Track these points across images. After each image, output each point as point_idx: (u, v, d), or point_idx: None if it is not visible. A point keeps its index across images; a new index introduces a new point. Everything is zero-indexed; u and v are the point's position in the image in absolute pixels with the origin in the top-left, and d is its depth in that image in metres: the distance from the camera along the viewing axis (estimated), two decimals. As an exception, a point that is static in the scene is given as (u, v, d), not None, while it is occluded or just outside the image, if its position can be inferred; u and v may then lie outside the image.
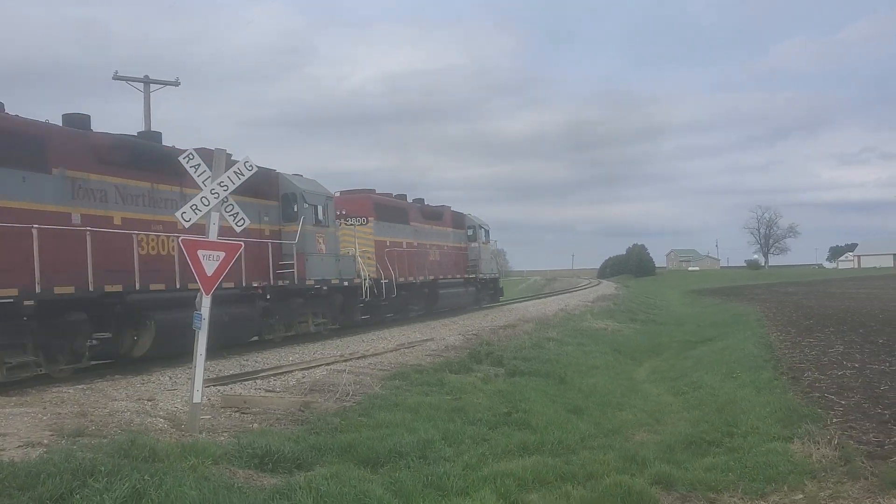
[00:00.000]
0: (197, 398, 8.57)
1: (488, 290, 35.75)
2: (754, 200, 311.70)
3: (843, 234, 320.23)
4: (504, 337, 20.20)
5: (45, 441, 7.60)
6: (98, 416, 9.06)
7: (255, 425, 9.24)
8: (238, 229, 9.20)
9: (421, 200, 29.70)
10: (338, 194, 22.93)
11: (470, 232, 33.38)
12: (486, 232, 35.11)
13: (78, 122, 13.64)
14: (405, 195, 28.70)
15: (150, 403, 10.11)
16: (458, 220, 32.57)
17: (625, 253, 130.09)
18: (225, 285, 14.11)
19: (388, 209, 25.77)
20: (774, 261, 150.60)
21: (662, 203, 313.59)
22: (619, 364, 18.54)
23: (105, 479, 5.99)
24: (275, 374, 13.19)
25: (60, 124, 13.35)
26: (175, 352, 14.27)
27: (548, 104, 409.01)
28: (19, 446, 7.33)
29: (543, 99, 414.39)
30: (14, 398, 10.33)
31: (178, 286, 14.39)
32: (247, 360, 15.30)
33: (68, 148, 12.97)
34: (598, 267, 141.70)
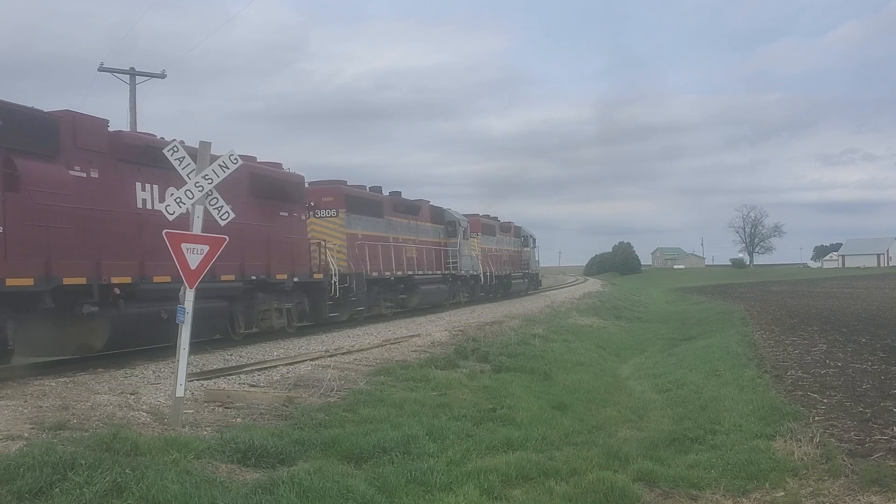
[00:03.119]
0: (180, 392, 8.51)
1: (534, 281, 51.10)
2: (739, 200, 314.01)
3: (827, 233, 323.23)
4: (490, 333, 20.23)
5: (26, 434, 7.53)
6: (80, 409, 8.99)
7: (239, 420, 9.19)
8: (223, 223, 9.16)
9: (493, 217, 42.15)
10: None
11: (523, 239, 47.00)
12: (534, 239, 49.95)
13: (373, 191, 27.28)
14: (488, 214, 41.61)
15: (132, 397, 10.04)
16: (517, 231, 46.30)
17: (611, 251, 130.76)
18: (434, 273, 30.08)
19: (486, 226, 39.13)
20: (759, 260, 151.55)
21: (648, 202, 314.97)
22: (604, 361, 18.60)
23: (86, 473, 5.94)
24: (259, 369, 13.13)
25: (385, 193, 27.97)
26: (427, 305, 29.50)
27: (536, 103, 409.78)
28: (-1, 439, 7.27)
29: (532, 98, 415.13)
30: (-5, 391, 10.24)
31: (417, 273, 28.11)
32: (231, 355, 15.23)
33: (387, 204, 27.05)
34: (584, 264, 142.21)
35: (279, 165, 19.74)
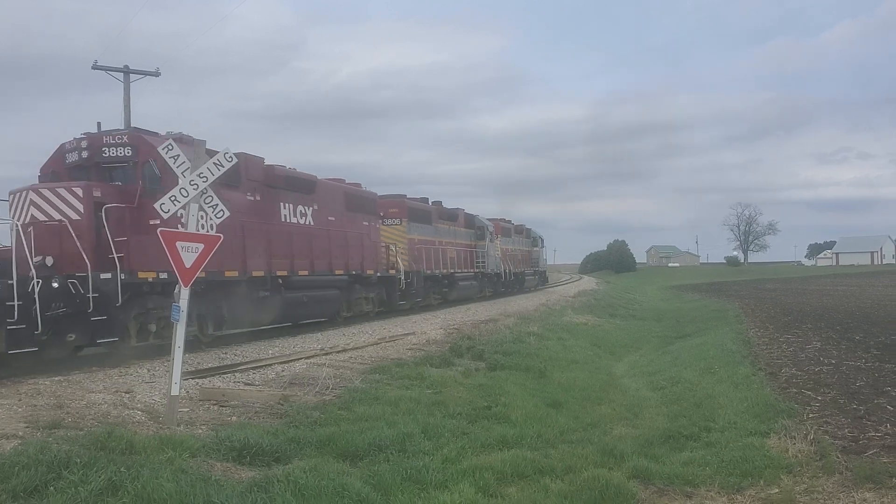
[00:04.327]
0: (175, 391, 8.50)
1: (543, 278, 56.88)
2: (734, 198, 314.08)
3: (821, 231, 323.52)
4: (485, 331, 20.22)
5: (20, 433, 7.51)
6: (75, 408, 8.97)
7: (234, 418, 9.19)
8: (217, 221, 9.15)
9: (508, 220, 46.69)
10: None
11: (532, 240, 51.95)
12: (542, 240, 54.91)
13: (421, 202, 31.78)
14: (504, 218, 46.13)
15: (127, 396, 10.02)
16: (528, 233, 51.23)
17: (606, 249, 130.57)
18: (468, 271, 34.83)
19: (504, 229, 43.84)
20: (754, 258, 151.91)
21: (643, 200, 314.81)
22: (599, 359, 18.62)
23: (81, 472, 5.94)
24: (254, 368, 13.12)
25: (430, 203, 32.75)
26: (459, 299, 33.58)
27: (533, 102, 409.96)
28: (-7, 438, 7.25)
29: (529, 97, 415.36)
30: (-11, 390, 10.20)
31: (456, 271, 33.07)
32: (226, 353, 15.21)
33: (434, 213, 31.70)
34: (579, 262, 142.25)
35: (359, 185, 24.84)
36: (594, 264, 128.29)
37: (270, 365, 13.45)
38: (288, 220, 19.03)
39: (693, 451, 8.39)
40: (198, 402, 10.05)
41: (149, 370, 12.63)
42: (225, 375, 12.30)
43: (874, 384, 11.48)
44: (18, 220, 12.87)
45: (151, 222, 13.34)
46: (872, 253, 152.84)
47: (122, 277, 13.16)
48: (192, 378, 11.64)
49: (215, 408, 9.79)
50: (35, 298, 11.72)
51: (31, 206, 13.31)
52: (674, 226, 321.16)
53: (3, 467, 5.96)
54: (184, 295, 8.57)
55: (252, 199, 17.46)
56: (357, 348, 16.19)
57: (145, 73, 33.46)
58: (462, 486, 6.84)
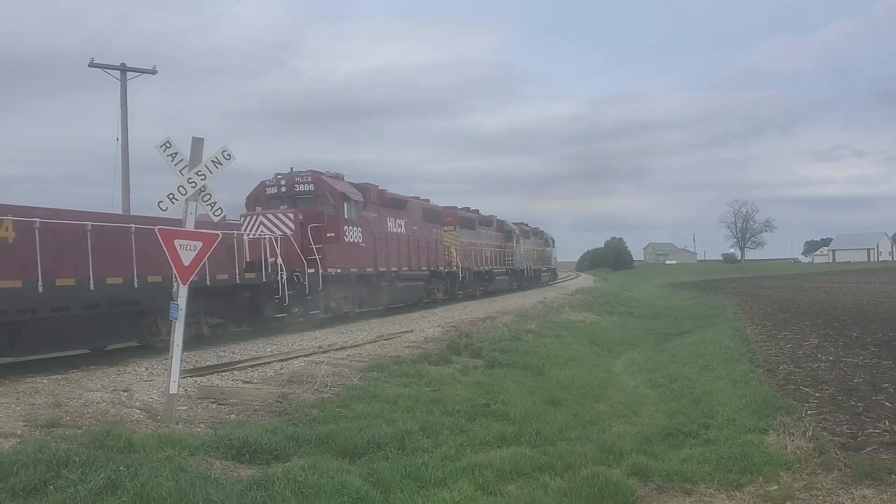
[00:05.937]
0: (173, 389, 8.48)
1: (553, 275, 64.67)
2: (730, 196, 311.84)
3: (818, 229, 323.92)
4: (483, 329, 20.22)
5: (19, 432, 7.50)
6: (73, 406, 8.96)
7: (233, 416, 9.18)
8: (216, 219, 9.13)
9: (527, 224, 52.87)
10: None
11: (545, 241, 59.15)
12: (553, 240, 63.00)
13: (465, 211, 37.96)
14: (524, 222, 52.29)
15: (125, 394, 10.01)
16: (541, 234, 57.95)
17: (603, 246, 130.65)
18: (500, 268, 41.86)
19: (525, 232, 50.21)
20: (750, 255, 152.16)
21: (640, 198, 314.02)
22: (597, 356, 18.64)
23: (79, 470, 5.93)
24: (252, 366, 13.11)
25: (469, 210, 39.68)
26: (496, 290, 40.73)
27: (529, 100, 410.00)
28: (-8, 437, 7.23)
29: (524, 95, 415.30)
30: (-13, 389, 10.18)
31: (493, 268, 39.70)
32: (224, 352, 15.19)
33: (476, 220, 38.46)
34: (576, 260, 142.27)
35: (427, 201, 31.98)
36: (592, 262, 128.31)
37: (269, 363, 13.43)
38: (392, 230, 26.48)
39: (692, 448, 8.40)
40: (196, 400, 10.03)
41: (147, 368, 12.62)
42: (223, 373, 12.29)
43: (872, 381, 11.50)
44: (251, 235, 19.19)
45: (328, 235, 21.42)
46: (869, 250, 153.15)
47: (321, 271, 20.28)
48: (191, 376, 11.63)
49: (214, 406, 9.78)
50: (284, 283, 18.71)
51: (261, 226, 20.19)
52: (671, 223, 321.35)
53: (2, 466, 5.94)
54: (182, 293, 8.54)
55: (375, 216, 24.98)
56: (355, 346, 16.17)
57: (142, 71, 33.42)
58: (461, 484, 6.84)
